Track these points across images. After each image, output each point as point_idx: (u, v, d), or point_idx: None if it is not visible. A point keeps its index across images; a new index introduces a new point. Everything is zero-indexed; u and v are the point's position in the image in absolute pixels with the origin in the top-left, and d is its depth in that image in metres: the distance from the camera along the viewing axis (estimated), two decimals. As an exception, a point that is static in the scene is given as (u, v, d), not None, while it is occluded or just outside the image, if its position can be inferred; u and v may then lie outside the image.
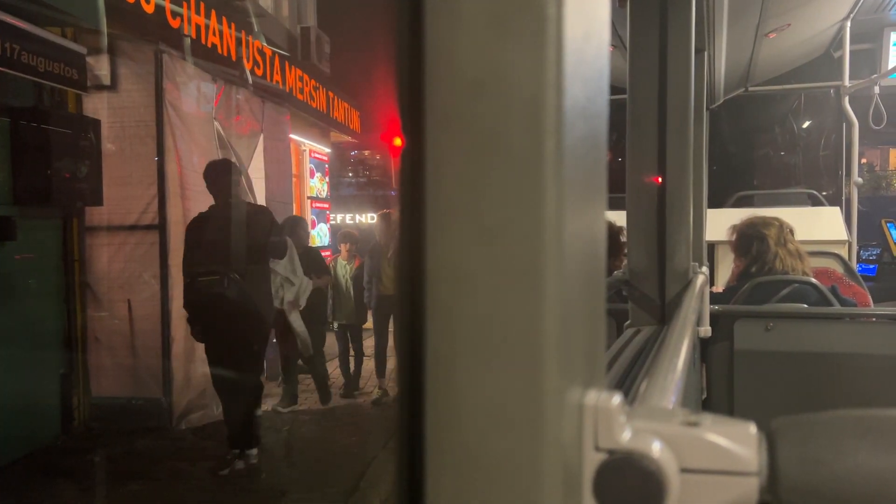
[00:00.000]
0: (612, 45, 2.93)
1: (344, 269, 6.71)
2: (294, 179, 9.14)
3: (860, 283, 4.15)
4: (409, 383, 0.36)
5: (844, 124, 6.18)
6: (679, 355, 1.03)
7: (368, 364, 6.79)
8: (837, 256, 4.43)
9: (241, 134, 6.99)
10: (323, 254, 10.19)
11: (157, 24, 5.69)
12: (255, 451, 4.66)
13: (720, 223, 3.78)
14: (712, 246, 4.81)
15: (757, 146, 9.24)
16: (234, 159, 6.83)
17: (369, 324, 6.75)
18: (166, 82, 5.60)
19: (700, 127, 2.95)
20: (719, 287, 3.87)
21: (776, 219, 3.19)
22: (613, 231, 3.30)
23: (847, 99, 5.78)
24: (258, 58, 7.55)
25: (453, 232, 0.34)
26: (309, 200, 10.03)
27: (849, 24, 5.21)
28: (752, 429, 0.41)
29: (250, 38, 7.37)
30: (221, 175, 4.65)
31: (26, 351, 4.83)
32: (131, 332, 5.63)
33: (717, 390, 2.76)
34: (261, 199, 7.30)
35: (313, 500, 4.32)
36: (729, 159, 8.58)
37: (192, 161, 5.76)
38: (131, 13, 5.39)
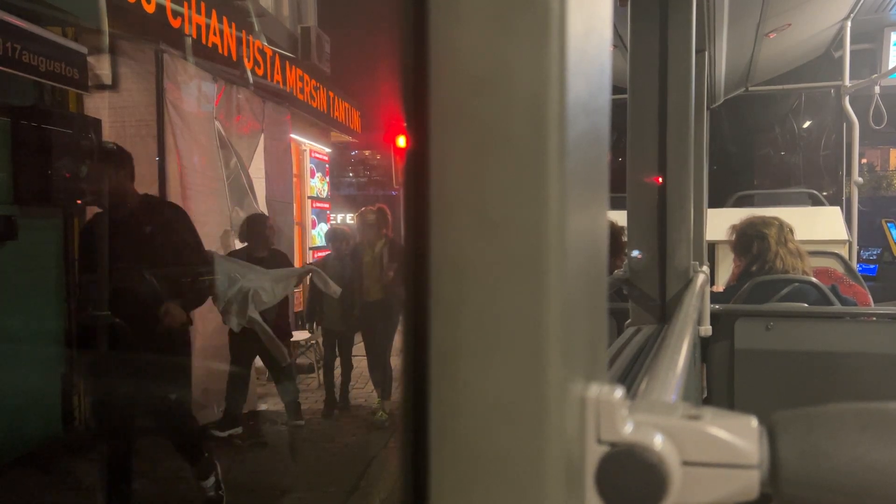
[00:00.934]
0: (613, 45, 2.93)
1: (337, 268, 6.21)
2: (294, 179, 9.14)
3: (860, 283, 4.15)
4: (412, 377, 0.36)
5: (845, 124, 6.18)
6: (679, 354, 1.03)
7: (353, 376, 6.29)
8: (838, 256, 4.44)
9: (241, 133, 6.99)
10: (318, 255, 10.19)
11: (158, 23, 5.70)
12: (211, 482, 4.04)
13: (720, 223, 3.78)
14: (712, 245, 4.82)
15: (757, 146, 9.24)
16: (234, 159, 6.84)
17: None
18: (167, 82, 5.60)
19: (700, 127, 2.95)
20: (720, 286, 3.88)
21: (776, 218, 3.19)
22: (614, 230, 3.30)
23: (847, 99, 5.78)
24: (259, 57, 7.55)
25: (457, 227, 0.35)
26: (309, 200, 10.03)
27: (849, 23, 5.21)
28: (753, 422, 0.41)
29: (251, 38, 7.37)
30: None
31: (27, 350, 4.83)
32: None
33: (717, 389, 2.76)
34: (261, 199, 7.31)
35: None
36: (729, 159, 8.58)
37: (192, 161, 5.76)
38: (132, 13, 5.39)
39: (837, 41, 5.60)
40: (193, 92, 5.98)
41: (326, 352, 6.21)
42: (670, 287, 1.85)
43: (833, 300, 2.94)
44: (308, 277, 5.87)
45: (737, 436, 0.40)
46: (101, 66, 5.68)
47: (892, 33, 6.79)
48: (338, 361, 6.14)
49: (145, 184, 5.72)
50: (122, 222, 3.70)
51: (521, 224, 0.34)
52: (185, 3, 6.06)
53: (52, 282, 5.21)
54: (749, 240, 3.14)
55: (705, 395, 2.79)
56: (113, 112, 5.80)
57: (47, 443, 4.93)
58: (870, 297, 3.94)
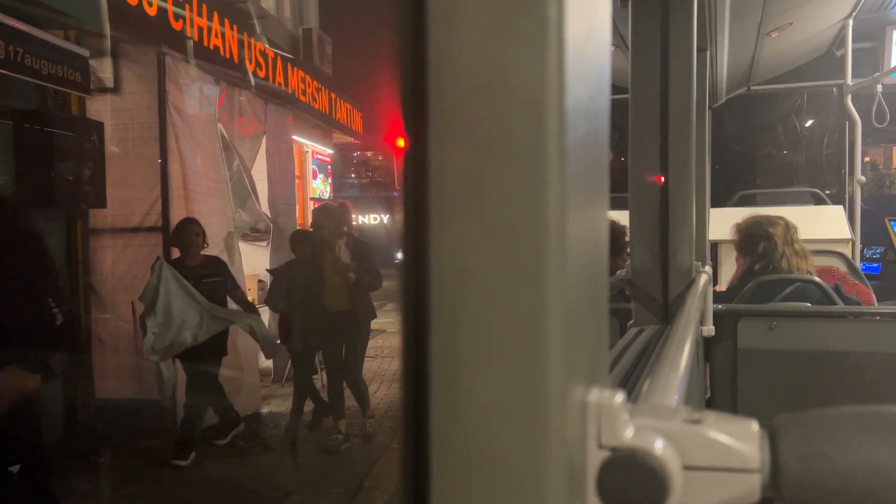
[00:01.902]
0: (614, 45, 2.93)
1: (304, 275, 5.31)
2: (297, 181, 9.15)
3: (864, 282, 4.14)
4: (414, 382, 0.36)
5: (847, 123, 6.17)
6: (682, 354, 1.03)
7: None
8: (841, 255, 4.42)
9: (244, 135, 7.00)
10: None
11: (160, 26, 5.70)
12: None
13: (723, 222, 3.78)
14: (715, 245, 4.81)
15: (759, 145, 9.23)
16: (237, 160, 6.84)
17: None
18: (169, 84, 5.61)
19: (702, 126, 2.95)
20: (722, 286, 3.87)
21: (781, 218, 3.18)
22: (616, 230, 3.30)
23: (849, 97, 5.77)
24: (260, 59, 7.55)
25: (457, 231, 0.35)
26: (312, 202, 10.04)
27: (851, 22, 5.20)
28: (755, 426, 0.41)
29: (252, 40, 7.38)
30: None
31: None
32: (135, 333, 5.63)
33: (720, 389, 2.76)
34: (264, 201, 7.31)
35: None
36: (731, 158, 8.58)
37: (195, 163, 5.77)
38: (134, 16, 5.40)
39: (839, 40, 5.59)
40: (195, 94, 5.99)
41: (296, 376, 5.48)
42: (673, 287, 1.85)
43: (836, 299, 2.93)
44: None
45: (738, 440, 0.40)
46: (103, 69, 5.69)
47: (894, 31, 6.77)
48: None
49: (148, 186, 5.75)
50: None
51: (521, 228, 0.34)
52: (187, 6, 6.07)
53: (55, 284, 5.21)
54: (755, 239, 3.13)
55: (708, 395, 2.79)
56: (115, 115, 5.81)
57: (50, 445, 4.93)
58: (873, 296, 3.93)
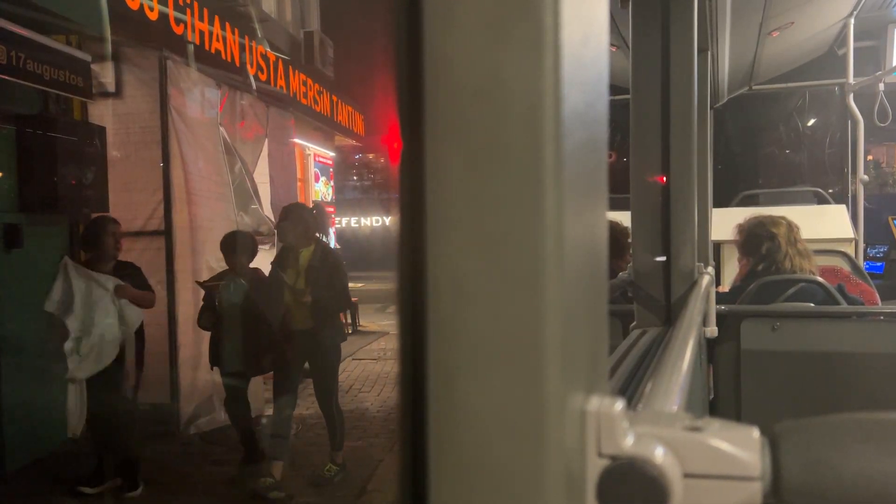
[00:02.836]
0: (615, 46, 2.94)
1: (239, 289, 4.43)
2: (299, 183, 9.16)
3: (867, 282, 4.13)
4: (411, 391, 0.36)
5: (849, 122, 6.16)
6: (684, 357, 1.03)
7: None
8: (844, 255, 4.42)
9: (245, 139, 7.01)
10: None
11: (161, 30, 5.72)
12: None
13: (726, 222, 3.77)
14: (718, 246, 4.80)
15: (761, 145, 9.23)
16: (239, 164, 6.85)
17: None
18: (171, 88, 5.62)
19: (704, 126, 2.94)
20: (725, 287, 3.86)
21: (783, 218, 3.18)
22: (618, 232, 3.29)
23: (851, 96, 5.76)
24: (262, 63, 7.57)
25: (453, 239, 0.34)
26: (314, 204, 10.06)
27: (852, 21, 5.20)
28: (755, 433, 0.41)
29: (254, 44, 7.39)
30: None
31: (34, 358, 4.84)
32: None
33: (724, 391, 2.75)
34: (266, 204, 7.32)
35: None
36: (733, 158, 8.57)
37: (197, 166, 5.78)
38: (135, 20, 5.41)
39: (841, 39, 5.58)
40: (197, 98, 6.00)
41: (231, 409, 4.52)
42: (675, 288, 1.85)
43: (840, 300, 2.93)
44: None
45: (738, 447, 0.40)
46: (105, 74, 5.71)
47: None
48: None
49: (150, 190, 5.76)
50: None
51: (518, 235, 0.34)
52: (188, 10, 6.08)
53: (58, 289, 5.22)
54: (758, 240, 3.12)
55: (712, 396, 2.78)
56: (117, 119, 5.83)
57: (54, 449, 4.94)
58: (877, 295, 3.92)
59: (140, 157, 5.83)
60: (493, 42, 0.33)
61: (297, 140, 8.72)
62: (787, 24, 4.15)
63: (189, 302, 5.51)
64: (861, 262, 5.06)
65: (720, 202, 5.57)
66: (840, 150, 7.67)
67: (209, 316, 4.42)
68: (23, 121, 4.80)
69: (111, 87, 5.80)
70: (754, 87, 5.71)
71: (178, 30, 5.94)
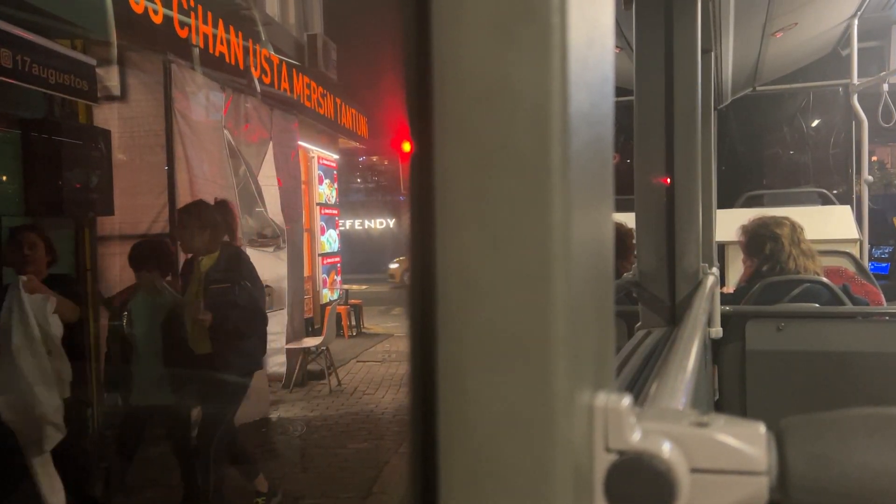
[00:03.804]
0: (619, 47, 2.94)
1: (149, 307, 3.83)
2: (303, 186, 9.17)
3: (872, 282, 4.12)
4: (421, 388, 0.37)
5: (853, 122, 6.16)
6: (689, 357, 1.03)
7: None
8: (849, 255, 4.41)
9: (250, 142, 7.03)
10: (327, 261, 10.15)
11: (166, 34, 5.74)
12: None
13: (730, 223, 3.77)
14: (722, 246, 4.80)
15: (766, 145, 9.22)
16: (243, 167, 6.87)
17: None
18: (175, 92, 5.64)
19: (708, 127, 2.94)
20: (730, 287, 3.86)
21: (787, 218, 3.17)
22: (623, 233, 3.30)
23: (856, 97, 5.75)
24: (266, 66, 7.58)
25: (462, 238, 0.35)
26: (318, 207, 10.06)
27: (856, 21, 5.19)
28: (762, 428, 0.41)
29: (258, 47, 7.41)
30: None
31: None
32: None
33: (729, 391, 2.75)
34: (271, 207, 7.34)
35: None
36: (738, 159, 8.56)
37: (202, 170, 5.80)
38: (140, 24, 5.43)
39: (844, 39, 5.57)
40: (202, 101, 6.02)
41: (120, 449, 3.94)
42: (680, 289, 1.85)
43: (845, 300, 2.92)
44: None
45: (745, 442, 0.40)
46: (110, 78, 5.73)
47: (900, 30, 6.74)
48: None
49: (155, 193, 5.77)
50: None
51: (526, 234, 0.34)
52: (192, 14, 6.10)
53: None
54: (761, 240, 3.12)
55: (717, 397, 2.78)
56: (122, 123, 5.84)
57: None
58: (882, 296, 3.91)
59: (145, 160, 5.85)
60: (500, 44, 0.34)
61: (301, 143, 8.74)
62: (791, 25, 4.15)
63: (194, 304, 5.51)
64: (866, 263, 5.05)
65: (724, 203, 5.56)
66: (844, 150, 7.66)
67: (113, 339, 3.86)
68: (28, 124, 4.81)
69: (116, 91, 5.81)
70: (758, 88, 5.70)
71: (183, 33, 5.96)
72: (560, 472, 0.35)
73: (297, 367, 7.31)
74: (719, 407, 2.74)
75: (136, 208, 5.74)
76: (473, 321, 0.35)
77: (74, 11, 4.82)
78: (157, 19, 5.58)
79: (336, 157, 10.86)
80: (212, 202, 4.12)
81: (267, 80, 7.54)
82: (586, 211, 0.37)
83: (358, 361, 8.75)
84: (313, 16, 10.74)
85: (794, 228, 3.12)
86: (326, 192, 10.42)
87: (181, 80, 5.74)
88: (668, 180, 1.90)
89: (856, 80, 5.68)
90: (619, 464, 0.38)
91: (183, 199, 5.65)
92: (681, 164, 1.88)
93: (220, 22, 6.57)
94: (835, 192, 6.94)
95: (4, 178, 4.82)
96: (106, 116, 5.73)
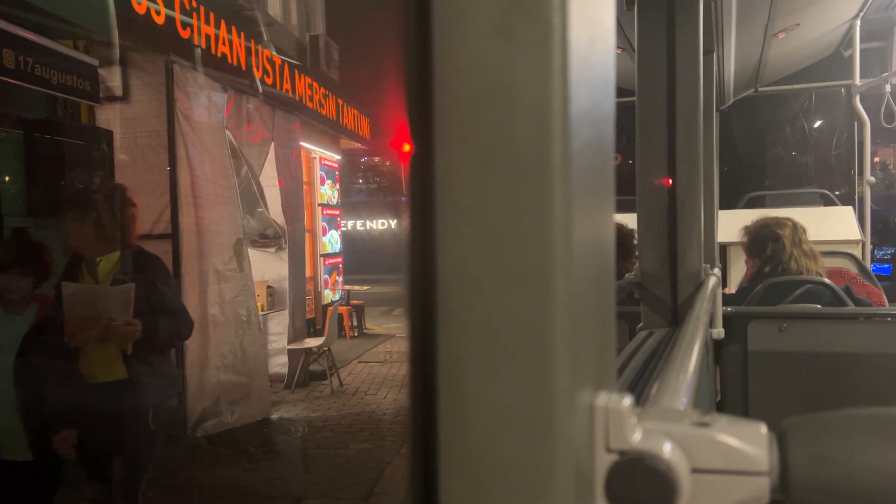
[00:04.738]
0: (621, 48, 2.94)
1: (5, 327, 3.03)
2: (305, 187, 9.18)
3: (875, 283, 4.12)
4: (421, 387, 0.37)
5: (856, 123, 6.15)
6: (691, 357, 1.03)
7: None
8: (851, 256, 4.40)
9: (252, 142, 7.04)
10: (328, 261, 10.15)
11: (168, 35, 5.74)
12: None
13: (732, 224, 3.77)
14: (724, 247, 4.79)
15: (768, 146, 9.21)
16: (245, 167, 6.87)
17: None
18: (177, 92, 5.64)
19: (710, 128, 2.94)
20: (732, 288, 3.86)
21: (789, 219, 3.17)
22: (625, 233, 3.30)
23: (858, 98, 5.74)
24: (268, 66, 7.59)
25: (463, 237, 0.35)
26: (320, 207, 10.07)
27: (858, 22, 5.18)
28: (763, 428, 0.41)
29: (260, 48, 7.42)
30: None
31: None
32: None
33: (731, 392, 2.74)
34: (273, 207, 7.34)
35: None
36: (740, 160, 8.56)
37: (204, 170, 5.80)
38: (142, 25, 5.44)
39: (847, 40, 5.57)
40: (204, 102, 6.02)
41: None
42: (682, 290, 1.85)
43: (847, 301, 2.92)
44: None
45: (746, 442, 0.40)
46: (112, 78, 5.74)
47: (903, 31, 6.73)
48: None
49: (157, 193, 5.78)
50: None
51: (527, 234, 0.34)
52: (195, 15, 6.11)
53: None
54: (763, 241, 3.12)
55: (719, 397, 2.77)
56: (124, 123, 5.85)
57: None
58: (884, 297, 3.91)
59: (147, 160, 5.86)
60: (501, 43, 0.34)
61: (302, 143, 8.74)
62: (793, 26, 4.15)
63: (196, 305, 5.53)
64: (868, 264, 5.04)
65: (727, 204, 5.56)
66: (846, 151, 7.65)
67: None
68: (30, 125, 4.83)
69: (118, 92, 5.83)
70: (760, 89, 5.70)
71: (185, 34, 5.97)
72: (561, 472, 0.35)
73: (299, 368, 7.32)
74: (721, 407, 2.73)
75: (137, 208, 5.73)
76: (473, 321, 0.35)
77: (77, 12, 4.83)
78: (160, 20, 5.59)
79: (338, 157, 10.86)
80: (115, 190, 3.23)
81: (269, 81, 7.54)
82: (588, 210, 0.37)
83: (360, 362, 8.75)
84: (315, 16, 10.75)
85: (796, 229, 3.12)
86: (328, 192, 10.42)
87: (183, 81, 5.74)
88: (670, 181, 1.90)
89: (858, 81, 5.68)
90: (619, 464, 0.38)
91: (185, 199, 5.66)
92: (682, 165, 1.88)
93: (223, 22, 6.58)
94: (837, 192, 6.94)
95: (7, 178, 4.83)
96: (108, 117, 5.75)
